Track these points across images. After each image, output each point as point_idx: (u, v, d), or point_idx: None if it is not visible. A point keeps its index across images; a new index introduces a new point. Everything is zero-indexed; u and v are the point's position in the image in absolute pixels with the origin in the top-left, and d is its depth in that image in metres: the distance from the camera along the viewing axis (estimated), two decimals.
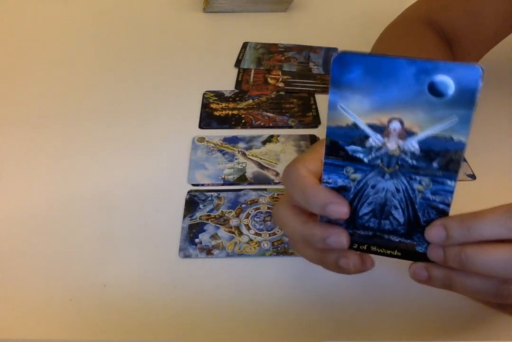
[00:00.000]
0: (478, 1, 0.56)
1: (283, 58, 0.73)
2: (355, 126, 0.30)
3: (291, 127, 0.60)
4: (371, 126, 0.30)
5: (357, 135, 0.31)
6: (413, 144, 0.30)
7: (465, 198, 0.50)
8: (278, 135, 0.58)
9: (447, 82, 0.27)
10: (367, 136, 0.31)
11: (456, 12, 0.57)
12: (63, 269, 0.44)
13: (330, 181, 0.33)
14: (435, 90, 0.27)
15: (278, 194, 0.50)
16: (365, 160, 0.32)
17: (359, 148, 0.31)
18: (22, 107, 0.64)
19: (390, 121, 0.29)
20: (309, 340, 0.38)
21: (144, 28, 0.82)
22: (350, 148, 0.31)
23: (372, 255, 0.36)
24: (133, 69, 0.72)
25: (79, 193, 0.51)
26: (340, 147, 0.32)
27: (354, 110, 0.30)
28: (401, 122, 0.29)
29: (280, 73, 0.70)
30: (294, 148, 0.56)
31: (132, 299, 0.41)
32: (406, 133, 0.29)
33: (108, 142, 0.58)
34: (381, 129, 0.30)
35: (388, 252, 0.35)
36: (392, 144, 0.30)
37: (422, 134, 0.29)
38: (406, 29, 0.59)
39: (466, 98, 0.27)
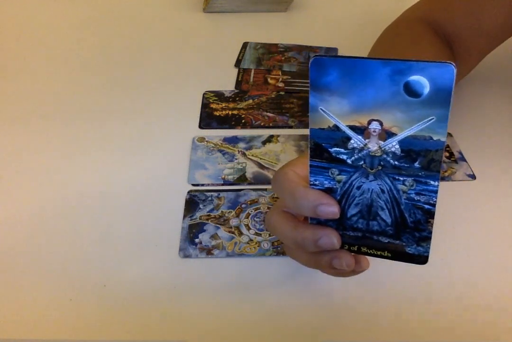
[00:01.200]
0: (480, 2, 0.56)
1: (283, 58, 0.73)
2: (336, 128, 0.31)
3: (291, 127, 0.60)
4: (352, 128, 0.30)
5: (339, 137, 0.31)
6: (393, 145, 0.30)
7: (465, 198, 0.50)
8: (278, 135, 0.58)
9: (422, 81, 0.27)
10: (348, 138, 0.31)
11: (458, 13, 0.57)
12: (63, 269, 0.44)
13: (317, 183, 0.34)
14: (410, 90, 0.28)
15: None
16: (349, 161, 0.32)
17: (341, 150, 0.32)
18: (22, 106, 0.64)
19: (369, 122, 0.30)
20: (309, 340, 0.38)
21: (144, 28, 0.82)
22: (333, 150, 0.32)
23: (368, 257, 0.36)
24: (133, 69, 0.72)
25: (79, 192, 0.51)
26: (324, 149, 0.32)
27: (334, 112, 0.30)
28: (381, 123, 0.30)
29: (280, 73, 0.70)
30: (294, 148, 0.56)
31: (132, 299, 0.41)
32: (386, 134, 0.30)
33: (108, 142, 0.58)
34: (361, 131, 0.30)
35: (379, 253, 0.35)
36: (373, 145, 0.31)
37: (401, 135, 0.30)
38: (406, 30, 0.59)
39: (442, 97, 0.27)
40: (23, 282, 0.43)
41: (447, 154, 0.54)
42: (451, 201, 0.49)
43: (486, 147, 0.56)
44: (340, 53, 0.74)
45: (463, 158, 0.54)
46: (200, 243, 0.45)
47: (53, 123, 0.61)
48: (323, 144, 0.32)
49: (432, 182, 0.31)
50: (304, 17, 0.86)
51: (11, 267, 0.44)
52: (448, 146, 0.56)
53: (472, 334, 0.38)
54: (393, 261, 0.35)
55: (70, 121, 0.61)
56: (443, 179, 0.52)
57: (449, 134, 0.57)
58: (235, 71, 0.71)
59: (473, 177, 0.52)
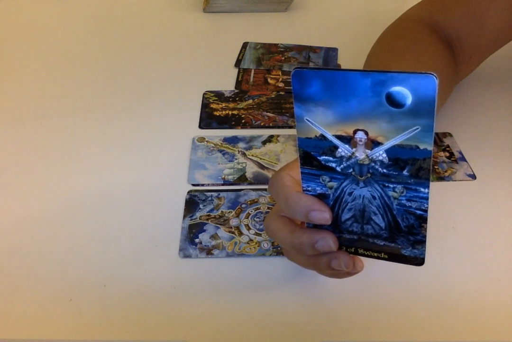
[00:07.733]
0: (481, 4, 0.55)
1: (283, 58, 0.73)
2: (323, 137, 0.31)
3: (291, 127, 0.60)
4: (338, 137, 0.31)
5: (326, 146, 0.31)
6: (380, 154, 0.30)
7: (465, 197, 0.50)
8: (278, 135, 0.58)
9: (404, 92, 0.27)
10: (336, 147, 0.31)
11: (459, 15, 0.56)
12: (63, 269, 0.44)
13: (309, 188, 0.34)
14: (393, 101, 0.27)
15: None
16: (338, 169, 0.32)
17: (330, 158, 0.32)
18: (21, 107, 0.64)
19: (355, 132, 0.30)
20: (309, 340, 0.38)
21: (144, 28, 0.82)
22: (322, 158, 0.32)
23: (363, 258, 0.36)
24: (133, 69, 0.72)
25: (79, 193, 0.51)
26: (313, 157, 0.32)
27: (320, 122, 0.30)
28: (366, 133, 0.30)
29: (280, 73, 0.70)
30: (294, 148, 0.56)
31: (132, 299, 0.41)
32: (372, 143, 0.30)
33: (108, 142, 0.58)
34: (348, 140, 0.30)
35: (375, 254, 0.35)
36: (360, 154, 0.31)
37: (387, 144, 0.30)
38: (406, 31, 0.59)
39: (425, 108, 0.27)
40: (23, 282, 0.43)
41: (447, 154, 0.54)
42: (451, 201, 0.49)
43: (486, 147, 0.56)
44: (340, 53, 0.74)
45: (463, 158, 0.54)
46: (200, 243, 0.45)
47: (53, 124, 0.61)
48: (312, 153, 0.32)
49: (422, 189, 0.31)
50: (304, 17, 0.86)
51: (11, 267, 0.44)
52: (448, 146, 0.56)
53: (473, 334, 0.38)
54: (392, 262, 0.35)
55: (69, 121, 0.61)
56: (443, 178, 0.52)
57: (449, 134, 0.57)
58: (235, 71, 0.71)
59: (473, 176, 0.52)
